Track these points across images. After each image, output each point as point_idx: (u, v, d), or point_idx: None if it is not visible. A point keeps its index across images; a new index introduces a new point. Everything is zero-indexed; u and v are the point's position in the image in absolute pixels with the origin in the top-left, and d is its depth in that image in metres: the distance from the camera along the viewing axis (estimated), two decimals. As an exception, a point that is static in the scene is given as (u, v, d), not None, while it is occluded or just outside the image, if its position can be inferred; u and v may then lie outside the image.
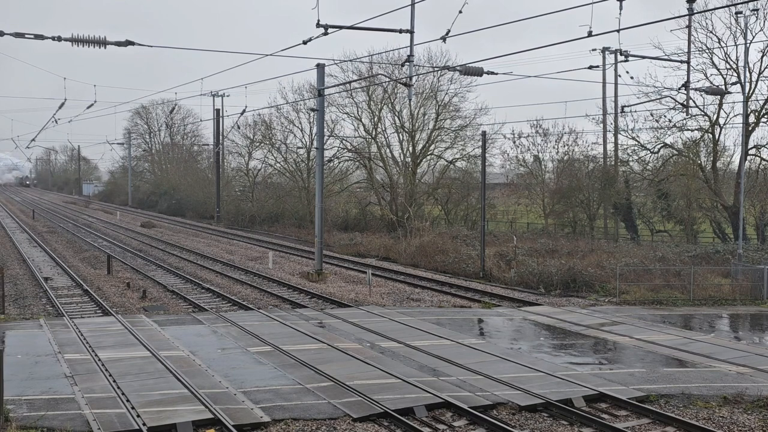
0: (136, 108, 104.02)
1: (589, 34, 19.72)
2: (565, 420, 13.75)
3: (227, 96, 72.03)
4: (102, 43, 23.01)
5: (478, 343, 19.59)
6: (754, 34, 38.43)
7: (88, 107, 38.05)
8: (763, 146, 43.20)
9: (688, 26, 30.70)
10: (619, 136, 47.21)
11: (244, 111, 45.22)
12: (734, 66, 40.27)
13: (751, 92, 40.07)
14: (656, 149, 45.76)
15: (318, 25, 24.11)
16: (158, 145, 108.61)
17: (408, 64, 26.07)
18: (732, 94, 40.66)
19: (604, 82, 47.22)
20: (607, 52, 45.68)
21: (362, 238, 47.41)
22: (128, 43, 23.36)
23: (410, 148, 53.63)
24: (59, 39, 23.23)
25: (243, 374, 16.04)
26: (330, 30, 24.42)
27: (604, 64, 46.11)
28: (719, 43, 40.31)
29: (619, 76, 46.41)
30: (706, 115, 42.95)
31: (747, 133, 38.07)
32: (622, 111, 41.14)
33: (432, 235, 43.48)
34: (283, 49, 30.15)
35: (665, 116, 43.58)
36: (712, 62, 40.99)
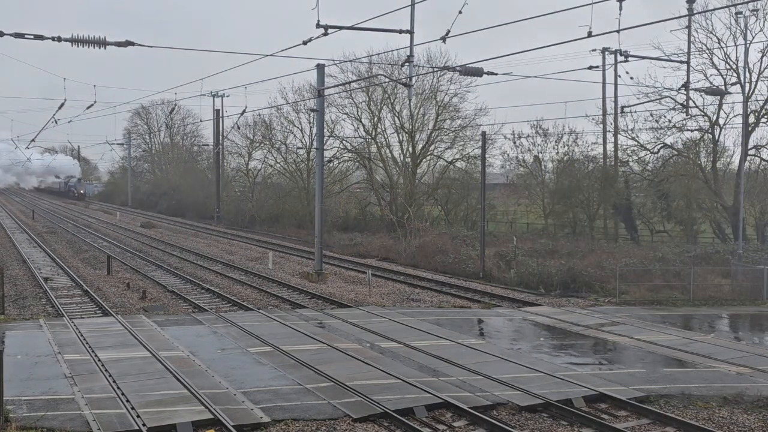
0: (136, 108, 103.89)
1: (589, 35, 19.72)
2: (565, 420, 13.75)
3: (227, 96, 72.01)
4: (102, 43, 22.99)
5: (478, 344, 19.58)
6: (753, 34, 38.43)
7: (88, 107, 37.94)
8: (763, 146, 43.19)
9: (688, 26, 30.71)
10: (619, 136, 47.20)
11: (244, 111, 45.15)
12: (734, 66, 40.27)
13: (750, 92, 40.06)
14: (656, 149, 45.74)
15: (318, 25, 24.11)
16: (158, 145, 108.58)
17: (408, 64, 26.05)
18: (732, 95, 40.66)
19: (604, 83, 47.21)
20: (607, 53, 45.62)
21: (362, 238, 47.41)
22: (128, 43, 23.34)
23: (410, 149, 53.64)
24: (59, 39, 23.21)
25: (243, 374, 16.04)
26: (330, 30, 24.42)
27: (604, 65, 46.08)
28: (719, 43, 40.32)
29: (619, 76, 46.31)
30: (705, 115, 42.95)
31: (747, 133, 38.04)
32: (622, 111, 41.17)
33: (432, 236, 43.47)
34: (283, 50, 30.16)
35: (665, 116, 43.57)
36: (712, 62, 41.00)
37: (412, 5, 24.57)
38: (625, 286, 28.69)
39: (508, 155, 54.30)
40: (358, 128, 55.70)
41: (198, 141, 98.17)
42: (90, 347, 18.29)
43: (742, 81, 37.88)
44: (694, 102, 40.57)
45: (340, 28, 24.89)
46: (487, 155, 37.92)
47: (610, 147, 48.05)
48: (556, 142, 50.86)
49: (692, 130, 44.00)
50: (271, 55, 28.47)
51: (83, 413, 13.25)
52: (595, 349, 19.71)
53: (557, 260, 34.02)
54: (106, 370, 16.10)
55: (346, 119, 56.50)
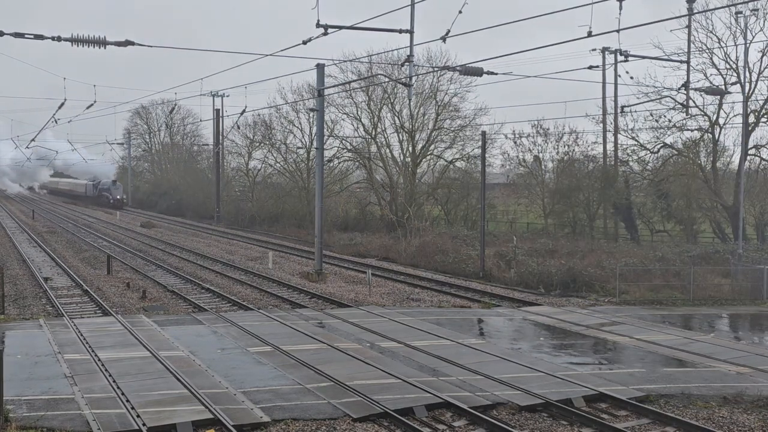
0: (136, 108, 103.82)
1: (589, 34, 19.71)
2: (565, 420, 13.75)
3: (227, 96, 72.05)
4: (102, 43, 22.99)
5: (478, 343, 19.58)
6: (754, 34, 38.42)
7: (88, 107, 37.96)
8: (763, 146, 43.20)
9: (688, 26, 30.72)
10: (618, 136, 47.22)
11: (243, 111, 45.16)
12: (734, 66, 40.25)
13: (750, 92, 40.05)
14: (656, 149, 45.74)
15: (318, 25, 24.10)
16: (158, 145, 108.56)
17: (408, 64, 26.05)
18: (732, 94, 40.65)
19: (604, 82, 47.20)
20: (607, 52, 45.60)
21: (362, 238, 47.41)
22: (128, 43, 23.34)
23: (410, 148, 53.64)
24: (59, 39, 23.21)
25: (243, 374, 16.04)
26: (330, 30, 24.41)
27: (604, 64, 46.06)
28: (719, 43, 40.30)
29: (619, 76, 46.31)
30: (705, 115, 42.95)
31: (747, 132, 38.03)
32: (622, 111, 41.11)
33: (432, 235, 43.48)
34: (283, 50, 30.14)
35: (665, 116, 43.56)
36: (712, 62, 40.99)
37: (412, 5, 24.56)
38: (625, 285, 28.69)
39: (508, 155, 54.39)
40: (357, 128, 55.76)
41: (198, 141, 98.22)
42: (90, 347, 18.28)
43: (742, 81, 37.87)
44: (694, 102, 40.60)
45: (340, 27, 24.88)
46: (487, 155, 37.93)
47: (610, 147, 48.10)
48: (556, 141, 50.96)
49: (692, 130, 44.04)
50: (271, 54, 28.46)
51: (83, 413, 13.25)
52: (595, 348, 19.71)
53: (557, 260, 34.02)
54: (106, 370, 16.09)
55: (346, 119, 56.56)
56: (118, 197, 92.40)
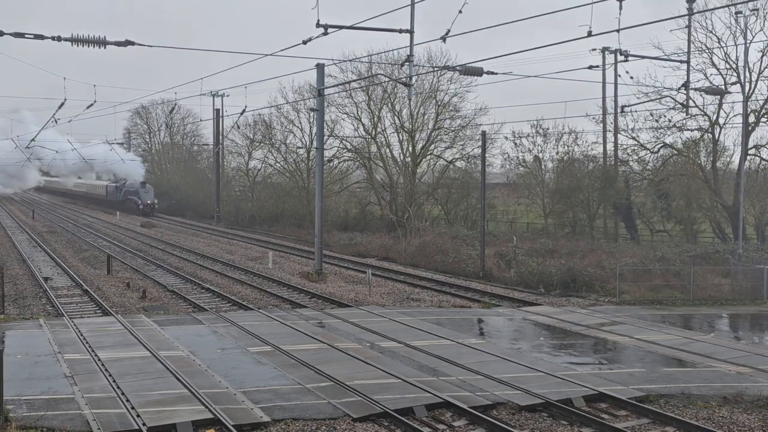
0: (136, 108, 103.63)
1: (589, 34, 19.70)
2: (565, 420, 13.75)
3: (227, 96, 72.05)
4: (102, 43, 22.98)
5: (478, 343, 19.58)
6: (753, 34, 38.40)
7: (88, 107, 37.89)
8: (763, 146, 43.18)
9: (688, 26, 30.71)
10: (619, 135, 47.22)
11: (244, 111, 45.08)
12: (734, 66, 40.23)
13: (750, 92, 40.03)
14: (656, 149, 45.74)
15: (318, 25, 24.08)
16: (158, 145, 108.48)
17: (408, 64, 26.04)
18: (732, 94, 40.64)
19: (604, 82, 47.19)
20: (607, 52, 45.61)
21: (362, 238, 47.42)
22: (128, 43, 23.32)
23: (410, 148, 53.64)
24: (59, 39, 23.18)
25: (243, 374, 16.04)
26: (330, 30, 24.39)
27: (604, 64, 46.06)
28: (719, 43, 40.28)
29: (619, 76, 46.31)
30: (705, 115, 42.94)
31: (747, 132, 38.02)
32: (622, 111, 41.08)
33: (432, 235, 43.49)
34: (283, 49, 30.12)
35: (665, 116, 43.55)
36: (712, 62, 40.97)
37: (412, 5, 24.55)
38: (625, 285, 28.69)
39: (508, 155, 54.39)
40: (358, 128, 55.79)
41: (198, 141, 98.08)
42: (90, 347, 18.29)
43: (742, 80, 37.86)
44: (694, 101, 40.58)
45: (340, 27, 24.87)
46: (487, 155, 37.95)
47: (610, 146, 48.09)
48: (556, 141, 50.95)
49: (692, 130, 44.03)
50: (271, 54, 28.42)
51: (83, 413, 13.25)
52: (595, 348, 19.71)
53: (557, 260, 34.02)
54: (106, 370, 16.09)
55: (346, 119, 56.60)
56: (148, 202, 78.30)
